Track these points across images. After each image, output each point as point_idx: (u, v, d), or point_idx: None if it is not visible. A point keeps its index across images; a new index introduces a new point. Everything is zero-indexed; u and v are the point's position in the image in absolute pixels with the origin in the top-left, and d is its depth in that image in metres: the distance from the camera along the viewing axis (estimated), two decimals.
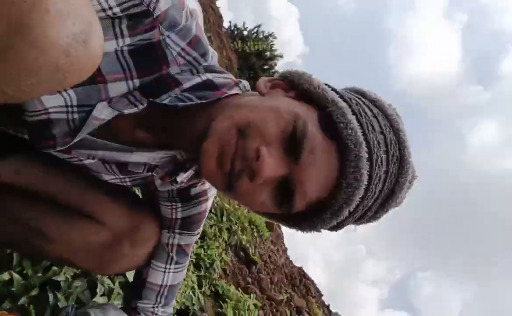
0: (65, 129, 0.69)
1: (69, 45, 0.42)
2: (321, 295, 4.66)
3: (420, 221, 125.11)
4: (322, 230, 0.72)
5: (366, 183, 0.63)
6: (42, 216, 0.85)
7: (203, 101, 0.69)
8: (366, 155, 0.62)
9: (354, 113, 0.65)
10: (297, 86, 0.70)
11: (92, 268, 0.91)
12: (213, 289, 1.68)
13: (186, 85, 0.70)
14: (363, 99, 0.70)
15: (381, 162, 0.65)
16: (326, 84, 0.70)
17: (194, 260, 1.77)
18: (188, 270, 1.63)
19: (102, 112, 0.68)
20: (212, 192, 0.97)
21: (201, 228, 1.02)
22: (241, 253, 2.30)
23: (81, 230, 0.86)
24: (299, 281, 4.01)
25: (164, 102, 0.68)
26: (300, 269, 4.56)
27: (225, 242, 2.17)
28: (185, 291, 1.52)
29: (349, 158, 0.62)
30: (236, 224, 2.42)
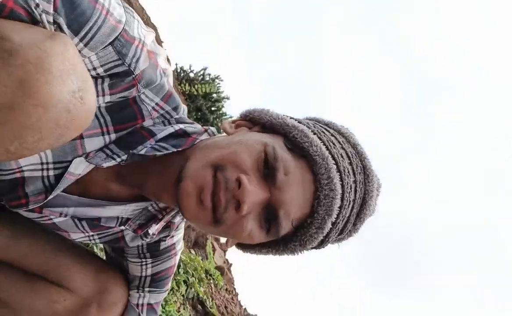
0: (39, 187, 0.70)
1: (69, 102, 0.44)
2: None
3: None
4: (311, 249, 0.75)
5: (340, 192, 0.68)
6: (4, 284, 0.82)
7: (178, 149, 0.72)
8: (334, 166, 0.68)
9: (314, 133, 0.71)
10: (258, 121, 0.76)
11: None
12: None
13: (160, 135, 0.73)
14: (319, 123, 0.76)
15: (348, 172, 0.70)
16: (284, 115, 0.76)
17: None
18: None
19: (78, 168, 0.69)
20: (180, 246, 0.97)
21: (169, 285, 1.00)
22: (199, 306, 2.20)
23: (47, 297, 0.83)
24: None
25: (141, 153, 0.69)
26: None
27: (183, 296, 2.06)
28: None
29: (320, 171, 0.67)
30: (192, 275, 2.32)
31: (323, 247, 0.76)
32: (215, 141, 0.74)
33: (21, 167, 0.67)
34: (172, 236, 0.92)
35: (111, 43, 0.59)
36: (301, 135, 0.69)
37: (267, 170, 0.67)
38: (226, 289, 3.76)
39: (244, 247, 0.81)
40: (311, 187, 0.68)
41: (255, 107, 0.78)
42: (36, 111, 0.42)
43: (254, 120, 0.77)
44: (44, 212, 0.75)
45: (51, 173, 0.69)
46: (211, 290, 2.72)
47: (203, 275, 2.61)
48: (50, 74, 0.42)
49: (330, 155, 0.68)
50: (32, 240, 0.84)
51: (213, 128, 0.81)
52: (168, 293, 1.90)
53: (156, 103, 0.73)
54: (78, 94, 0.45)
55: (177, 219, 0.88)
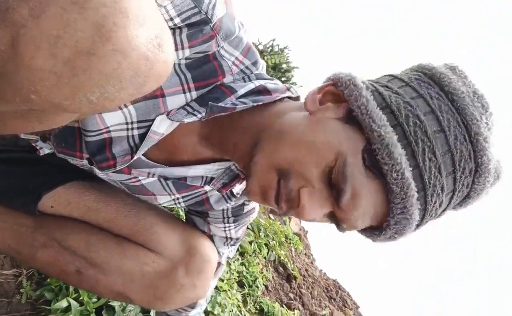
0: (125, 147, 0.71)
1: (147, 49, 0.41)
2: (358, 307, 4.54)
3: None
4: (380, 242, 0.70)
5: (418, 219, 0.61)
6: (95, 246, 0.83)
7: (259, 103, 0.70)
8: (415, 194, 0.59)
9: (405, 146, 0.59)
10: (346, 102, 0.65)
11: (147, 301, 0.85)
12: (257, 307, 1.65)
13: (241, 91, 0.71)
14: (433, 93, 0.62)
15: (442, 189, 0.60)
16: (376, 91, 0.63)
17: (237, 277, 1.74)
18: (232, 288, 1.60)
19: (161, 126, 0.68)
20: (258, 206, 0.97)
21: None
22: (280, 268, 2.26)
23: (136, 259, 0.83)
24: (336, 294, 3.91)
25: (220, 104, 0.68)
26: (335, 281, 4.46)
27: (265, 258, 2.13)
28: (231, 310, 1.49)
29: (394, 201, 0.59)
30: (273, 239, 2.38)
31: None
32: (290, 126, 0.67)
33: (108, 127, 0.67)
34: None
35: None
36: (383, 153, 0.58)
37: (334, 182, 0.62)
38: (305, 254, 3.81)
39: None
40: (383, 208, 0.61)
41: (343, 75, 0.67)
42: (115, 57, 0.39)
43: (340, 98, 0.67)
44: (133, 172, 0.76)
45: (136, 132, 0.69)
46: (291, 254, 2.78)
47: (283, 239, 2.66)
48: (127, 18, 0.40)
49: (413, 183, 0.58)
50: (119, 203, 0.86)
51: (294, 89, 0.76)
52: (250, 255, 1.98)
53: (236, 58, 0.71)
54: (156, 41, 0.42)
55: None
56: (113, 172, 0.76)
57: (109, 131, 0.68)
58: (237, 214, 0.92)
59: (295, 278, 2.24)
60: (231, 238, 0.95)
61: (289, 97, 0.76)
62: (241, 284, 1.71)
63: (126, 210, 0.86)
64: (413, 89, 0.63)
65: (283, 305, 1.82)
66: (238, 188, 0.84)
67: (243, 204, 0.91)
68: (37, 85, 0.39)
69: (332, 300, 3.76)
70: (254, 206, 0.94)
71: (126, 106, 0.66)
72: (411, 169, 0.58)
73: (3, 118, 0.48)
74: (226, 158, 0.78)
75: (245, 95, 0.71)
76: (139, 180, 0.79)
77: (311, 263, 4.08)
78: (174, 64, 0.65)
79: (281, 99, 0.73)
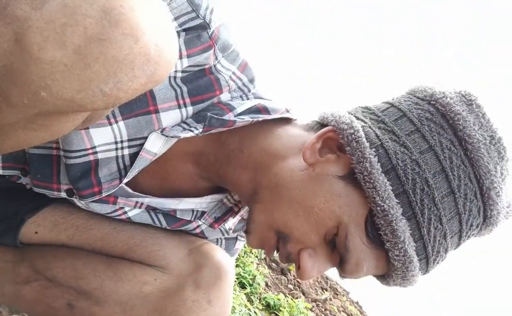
0: (113, 170, 0.65)
1: (155, 34, 0.40)
2: (348, 293, 4.63)
3: None
4: None
5: (417, 280, 0.62)
6: (82, 271, 0.73)
7: (258, 119, 0.67)
8: (417, 266, 0.59)
9: (409, 217, 0.57)
10: (348, 157, 0.61)
11: None
12: (264, 303, 1.66)
13: (240, 109, 0.68)
14: (445, 143, 0.59)
15: (446, 250, 0.61)
16: (381, 146, 0.59)
17: (236, 279, 1.73)
18: (234, 290, 1.59)
19: (155, 145, 0.63)
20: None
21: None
22: (273, 264, 2.26)
23: (132, 279, 0.71)
24: (325, 283, 3.97)
25: (219, 117, 0.64)
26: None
27: (256, 256, 2.13)
28: (240, 311, 1.48)
29: (396, 272, 0.60)
30: None
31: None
32: (289, 181, 0.63)
33: (94, 147, 0.62)
34: (244, 239, 0.87)
35: None
36: (386, 230, 0.57)
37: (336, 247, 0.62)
38: None
39: None
40: (385, 269, 0.63)
41: (345, 126, 0.61)
42: (127, 41, 0.38)
43: (341, 148, 0.63)
44: (119, 201, 0.69)
45: (126, 151, 0.64)
46: None
47: None
48: (133, 0, 0.38)
49: (416, 258, 0.58)
50: (112, 220, 0.75)
51: (294, 112, 0.72)
52: (242, 256, 1.97)
53: (233, 72, 0.68)
54: (162, 27, 0.42)
55: None
56: (96, 201, 0.67)
57: (96, 152, 0.62)
58: (230, 247, 0.86)
59: (289, 270, 2.25)
60: None
61: (288, 118, 0.71)
62: (242, 285, 1.71)
63: (120, 224, 0.76)
64: (423, 138, 0.60)
65: (287, 296, 1.84)
66: (231, 222, 0.79)
67: (236, 239, 0.86)
68: (47, 80, 0.38)
69: (324, 290, 3.81)
70: (240, 247, 0.90)
71: (116, 122, 0.62)
72: (414, 244, 0.58)
73: (5, 131, 0.45)
74: (222, 187, 0.74)
75: (243, 113, 0.68)
76: (125, 212, 0.72)
77: None
78: (170, 78, 0.63)
79: (281, 121, 0.70)
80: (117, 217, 0.73)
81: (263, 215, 0.64)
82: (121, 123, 0.62)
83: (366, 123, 0.63)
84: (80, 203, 0.70)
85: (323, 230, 0.60)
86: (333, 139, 0.64)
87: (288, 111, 0.71)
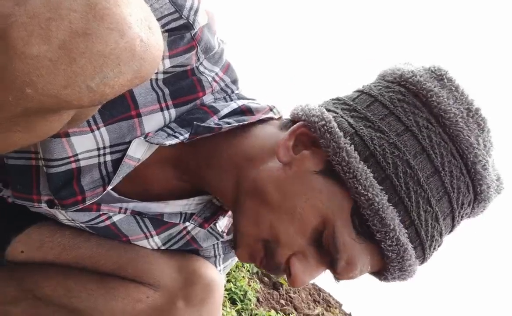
0: (96, 177, 0.64)
1: (140, 29, 0.40)
2: (341, 305, 4.60)
3: None
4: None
5: (418, 266, 0.60)
6: (74, 290, 0.71)
7: (244, 123, 0.66)
8: (413, 254, 0.57)
9: (396, 203, 0.55)
10: (323, 150, 0.59)
11: None
12: None
13: (224, 111, 0.67)
14: (421, 122, 0.57)
15: (440, 234, 0.58)
16: (356, 133, 0.57)
17: (227, 295, 1.70)
18: (225, 306, 1.56)
19: (138, 151, 0.63)
20: None
21: None
22: (265, 278, 2.24)
23: (126, 297, 0.71)
24: (318, 296, 3.93)
25: (205, 124, 0.63)
26: (314, 285, 4.49)
27: (248, 271, 2.11)
28: None
29: (391, 264, 0.58)
30: None
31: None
32: (268, 183, 0.61)
33: (76, 155, 0.61)
34: None
35: None
36: (374, 220, 0.55)
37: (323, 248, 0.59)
38: None
39: None
40: (380, 265, 0.60)
41: (316, 119, 0.60)
42: (112, 36, 0.37)
43: (315, 142, 0.61)
44: (103, 208, 0.68)
45: (108, 157, 0.63)
46: None
47: None
48: None
49: (410, 246, 0.56)
50: (99, 237, 0.74)
51: (277, 108, 0.72)
52: (234, 271, 1.95)
53: (216, 74, 0.67)
54: (146, 23, 0.41)
55: None
56: (78, 210, 0.66)
57: (78, 160, 0.61)
58: (227, 250, 0.83)
59: (281, 284, 2.23)
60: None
61: (271, 118, 0.71)
62: (233, 301, 1.68)
63: (108, 243, 0.75)
64: (398, 120, 0.58)
65: (279, 312, 1.80)
66: (223, 223, 0.77)
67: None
68: (32, 76, 0.37)
69: (317, 302, 3.78)
70: None
71: (98, 128, 0.61)
72: (406, 231, 0.55)
73: None
74: (205, 191, 0.72)
75: (228, 115, 0.67)
76: (110, 217, 0.70)
77: None
78: (151, 80, 0.61)
79: (264, 121, 0.69)
80: (102, 224, 0.71)
81: (248, 226, 0.62)
82: (102, 129, 0.61)
83: (337, 113, 0.61)
84: (61, 213, 0.69)
85: (309, 229, 0.58)
86: (306, 134, 0.62)
87: (271, 109, 0.70)
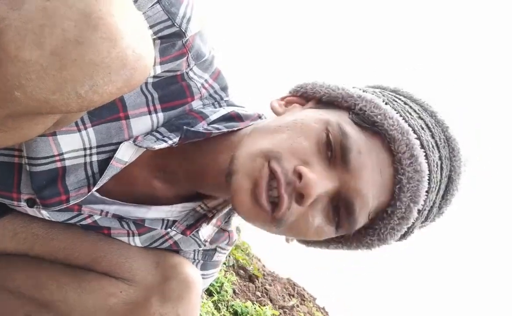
0: (81, 177, 0.63)
1: (133, 39, 0.41)
2: (315, 299, 4.68)
3: None
4: (392, 242, 0.64)
5: (427, 172, 0.58)
6: (45, 283, 0.69)
7: (233, 129, 0.66)
8: (417, 141, 0.58)
9: (386, 103, 0.61)
10: (313, 95, 0.66)
11: None
12: (231, 310, 1.65)
13: (213, 117, 0.68)
14: (385, 91, 0.66)
15: (432, 146, 0.60)
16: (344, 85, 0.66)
17: None
18: (201, 297, 1.58)
19: (126, 154, 0.62)
20: (230, 247, 0.87)
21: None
22: (241, 271, 2.27)
23: (98, 291, 0.69)
24: (293, 289, 4.00)
25: (195, 129, 0.63)
26: (288, 279, 4.56)
27: (224, 264, 2.13)
28: None
29: (400, 149, 0.57)
30: None
31: (405, 239, 0.66)
32: (264, 124, 0.65)
33: (62, 154, 0.60)
34: (227, 239, 0.82)
35: (158, 1, 0.55)
36: (370, 107, 0.59)
37: (331, 152, 0.58)
38: (256, 257, 3.85)
39: (309, 242, 0.72)
40: (389, 169, 0.58)
41: (306, 81, 0.68)
42: (104, 45, 0.38)
43: (307, 96, 0.67)
44: (84, 209, 0.67)
45: (95, 158, 0.63)
46: (246, 256, 2.79)
47: (238, 243, 2.67)
48: (111, 5, 0.39)
49: (410, 129, 0.58)
50: (75, 229, 0.72)
51: (265, 117, 0.73)
52: None
53: (205, 80, 0.68)
54: (139, 34, 0.42)
55: (230, 228, 0.81)
56: (59, 210, 0.65)
57: (63, 159, 0.60)
58: (206, 259, 0.81)
59: (257, 277, 2.27)
60: None
61: None
62: (209, 293, 1.70)
63: (83, 234, 0.73)
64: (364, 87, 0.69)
65: (254, 303, 1.84)
66: (206, 232, 0.75)
67: (215, 250, 0.82)
68: (22, 79, 0.37)
69: (291, 296, 3.84)
70: (221, 259, 0.85)
71: (85, 128, 0.61)
72: (401, 118, 0.59)
73: None
74: (192, 193, 0.72)
75: (216, 121, 0.68)
76: (91, 216, 0.69)
77: (263, 266, 4.13)
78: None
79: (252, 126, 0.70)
80: (83, 222, 0.70)
81: (247, 150, 0.60)
82: (90, 129, 0.61)
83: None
84: (41, 213, 0.67)
85: (312, 134, 0.58)
86: (293, 101, 0.69)
87: (260, 117, 0.72)
